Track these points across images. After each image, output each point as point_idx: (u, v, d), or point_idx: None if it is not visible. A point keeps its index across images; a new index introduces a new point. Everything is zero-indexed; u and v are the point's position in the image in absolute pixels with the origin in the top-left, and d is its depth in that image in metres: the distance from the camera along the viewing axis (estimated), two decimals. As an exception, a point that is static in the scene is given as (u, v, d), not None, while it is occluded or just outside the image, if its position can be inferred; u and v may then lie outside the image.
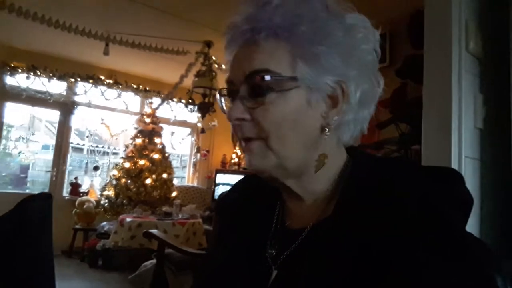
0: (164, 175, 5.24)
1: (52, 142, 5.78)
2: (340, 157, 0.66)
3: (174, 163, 5.85)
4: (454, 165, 1.22)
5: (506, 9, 1.27)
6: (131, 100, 5.64)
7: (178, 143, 6.03)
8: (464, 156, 1.23)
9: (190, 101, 5.17)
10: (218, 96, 0.66)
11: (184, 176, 6.41)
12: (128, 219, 4.25)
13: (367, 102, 0.63)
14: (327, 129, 0.60)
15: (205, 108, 4.55)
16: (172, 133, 5.98)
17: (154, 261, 3.34)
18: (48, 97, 5.01)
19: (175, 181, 5.55)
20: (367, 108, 0.63)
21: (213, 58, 4.62)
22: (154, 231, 3.70)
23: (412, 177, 0.57)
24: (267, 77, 0.57)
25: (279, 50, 0.58)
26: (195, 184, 6.14)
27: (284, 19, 0.57)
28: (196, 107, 5.13)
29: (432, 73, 1.31)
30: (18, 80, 4.85)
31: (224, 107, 0.66)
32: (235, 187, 0.84)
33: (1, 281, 0.86)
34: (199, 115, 5.76)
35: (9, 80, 4.86)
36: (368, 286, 0.50)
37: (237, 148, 6.37)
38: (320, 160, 0.62)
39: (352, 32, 0.59)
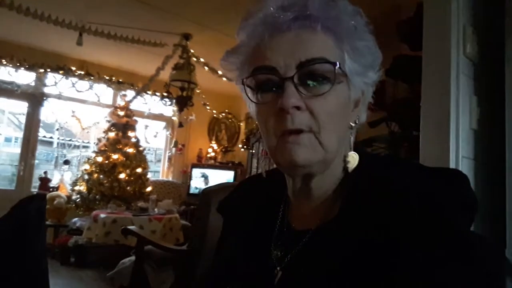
0: (139, 170, 5.13)
1: (15, 134, 5.52)
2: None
3: (148, 157, 5.74)
4: (452, 165, 1.27)
5: (501, 14, 1.33)
6: (104, 92, 5.47)
7: (152, 137, 5.90)
8: (461, 156, 1.28)
9: (166, 94, 5.08)
10: (242, 85, 0.63)
11: (158, 171, 6.30)
12: (102, 215, 4.14)
13: (366, 107, 0.66)
14: (352, 128, 0.63)
15: (183, 102, 4.49)
16: (146, 126, 5.85)
17: (133, 258, 3.28)
18: (15, 88, 4.77)
19: (149, 176, 5.45)
20: (365, 113, 0.67)
21: (192, 51, 4.55)
22: (132, 227, 3.63)
23: (418, 178, 0.57)
24: (336, 65, 0.56)
25: (331, 43, 0.58)
26: (170, 179, 6.05)
27: (338, 14, 0.58)
28: (173, 100, 5.05)
29: (430, 75, 1.34)
30: (-18, 69, 4.59)
31: (252, 97, 0.62)
32: (238, 188, 0.83)
33: (3, 279, 0.87)
34: (175, 108, 5.69)
35: (-28, 69, 4.59)
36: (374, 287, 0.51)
37: (213, 142, 6.33)
38: (352, 158, 0.64)
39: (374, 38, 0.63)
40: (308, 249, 0.61)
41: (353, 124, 0.63)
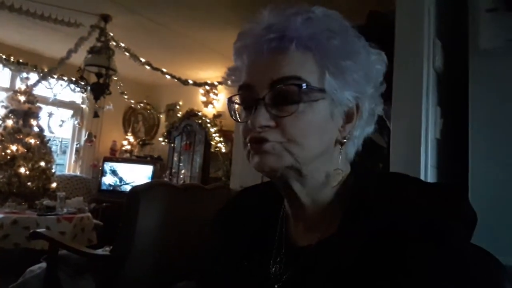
0: (42, 163, 4.57)
1: None
2: (346, 170, 0.67)
3: (52, 149, 5.13)
4: (422, 174, 1.32)
5: (465, 27, 1.41)
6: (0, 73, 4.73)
7: (57, 126, 5.27)
8: (429, 165, 1.34)
9: (76, 80, 4.60)
10: (229, 103, 0.65)
11: (63, 164, 5.67)
12: (-1, 215, 3.61)
13: (371, 119, 0.66)
14: (342, 144, 0.63)
15: (99, 90, 4.08)
16: (51, 114, 5.21)
17: (43, 265, 2.89)
18: None
19: (53, 170, 4.88)
20: (370, 125, 0.67)
21: (111, 34, 4.16)
22: (43, 230, 3.21)
23: (418, 194, 0.58)
24: (302, 85, 0.57)
25: (308, 61, 0.59)
26: (78, 173, 5.49)
27: (316, 32, 0.59)
28: (85, 87, 4.58)
29: (402, 87, 1.38)
30: None
31: (236, 115, 0.65)
32: (233, 201, 0.82)
33: None
34: (85, 95, 5.19)
35: None
36: None
37: (129, 134, 5.90)
38: (337, 174, 0.64)
39: (369, 52, 0.63)
40: (308, 267, 0.60)
41: (343, 140, 0.63)
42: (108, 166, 5.38)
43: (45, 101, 5.01)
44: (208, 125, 4.72)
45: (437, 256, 0.50)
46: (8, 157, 4.29)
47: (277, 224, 0.70)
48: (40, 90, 4.91)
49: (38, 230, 3.11)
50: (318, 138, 0.60)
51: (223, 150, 4.57)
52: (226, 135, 4.73)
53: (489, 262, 0.54)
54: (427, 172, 1.33)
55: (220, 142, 4.61)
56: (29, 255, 3.34)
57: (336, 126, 0.62)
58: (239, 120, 0.64)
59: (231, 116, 0.66)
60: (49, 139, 4.84)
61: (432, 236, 0.51)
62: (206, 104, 5.47)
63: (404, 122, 1.37)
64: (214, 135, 4.66)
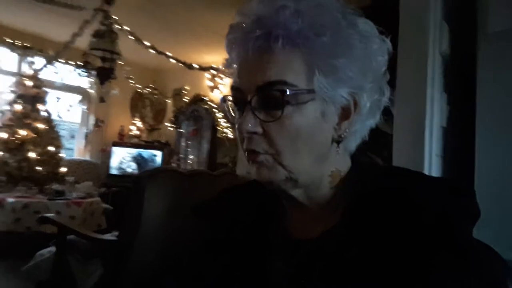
0: (51, 148, 4.61)
1: None
2: (345, 166, 0.65)
3: (61, 133, 5.17)
4: (426, 163, 1.28)
5: (473, 9, 1.34)
6: (6, 57, 4.73)
7: (65, 111, 5.29)
8: (434, 154, 1.30)
9: (83, 64, 4.58)
10: (223, 103, 0.63)
11: (71, 148, 5.72)
12: (10, 200, 3.68)
13: (374, 111, 0.62)
14: (339, 142, 0.60)
15: (105, 74, 4.05)
16: (58, 99, 5.23)
17: (52, 249, 2.94)
18: None
19: (62, 154, 4.93)
20: (373, 118, 0.63)
21: (114, 17, 4.11)
22: (51, 215, 3.26)
23: (424, 188, 0.57)
24: (286, 91, 0.54)
25: (296, 60, 0.55)
26: (87, 158, 5.55)
27: (304, 28, 0.54)
28: (91, 71, 4.56)
29: (407, 72, 1.32)
30: None
31: (232, 116, 0.63)
32: (222, 193, 0.79)
33: None
34: (92, 80, 5.18)
35: None
36: None
37: (136, 119, 5.90)
38: (334, 175, 0.62)
39: (368, 43, 0.58)
40: (311, 260, 0.59)
41: (339, 138, 0.60)
42: (117, 150, 5.41)
43: (52, 85, 5.03)
44: (215, 110, 4.68)
45: (440, 250, 0.49)
46: (18, 141, 4.33)
47: (271, 219, 0.68)
48: (47, 74, 4.92)
49: (47, 215, 3.15)
50: (309, 142, 0.57)
51: (230, 136, 4.54)
52: (233, 120, 4.69)
53: (491, 257, 0.53)
54: (432, 161, 1.29)
55: (227, 127, 4.58)
56: (40, 238, 3.39)
57: (330, 125, 0.59)
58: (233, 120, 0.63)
59: (224, 114, 0.66)
60: (57, 124, 4.87)
61: (437, 230, 0.50)
62: (212, 88, 5.42)
63: (408, 108, 1.33)
64: (220, 120, 4.62)
